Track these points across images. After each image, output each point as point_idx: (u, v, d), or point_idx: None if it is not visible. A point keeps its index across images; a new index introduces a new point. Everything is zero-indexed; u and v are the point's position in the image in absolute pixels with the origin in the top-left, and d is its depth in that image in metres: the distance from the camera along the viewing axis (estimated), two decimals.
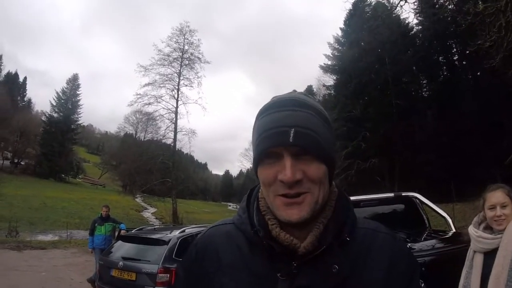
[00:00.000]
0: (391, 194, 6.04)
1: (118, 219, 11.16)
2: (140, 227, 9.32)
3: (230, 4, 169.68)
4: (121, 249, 6.92)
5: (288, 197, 0.80)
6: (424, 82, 32.13)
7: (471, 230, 2.43)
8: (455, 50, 29.01)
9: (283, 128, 0.79)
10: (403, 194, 6.07)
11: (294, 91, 0.92)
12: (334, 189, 0.92)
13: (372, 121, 28.31)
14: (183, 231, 7.00)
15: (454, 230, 5.18)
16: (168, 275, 5.84)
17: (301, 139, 0.78)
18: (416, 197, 6.00)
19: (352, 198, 4.14)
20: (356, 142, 28.34)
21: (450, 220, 5.39)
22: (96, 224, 9.97)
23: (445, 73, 30.29)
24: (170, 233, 6.92)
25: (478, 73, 23.49)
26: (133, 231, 8.18)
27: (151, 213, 41.22)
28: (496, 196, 2.25)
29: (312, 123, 0.81)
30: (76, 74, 62.94)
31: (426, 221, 5.96)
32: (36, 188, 40.77)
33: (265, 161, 0.82)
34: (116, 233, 9.62)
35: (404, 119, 27.28)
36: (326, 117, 0.87)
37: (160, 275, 5.83)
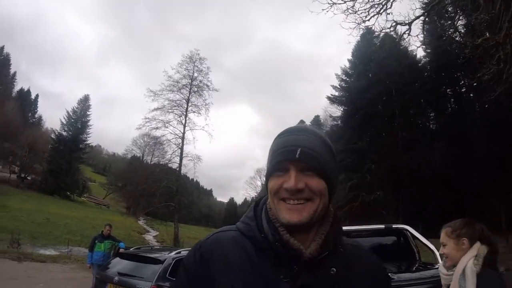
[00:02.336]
0: (382, 226, 6.02)
1: (118, 238, 11.35)
2: (138, 246, 9.65)
3: (235, 42, 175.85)
4: (118, 265, 7.09)
5: (289, 203, 0.96)
6: (431, 114, 32.16)
7: (440, 265, 2.59)
8: (462, 82, 28.92)
9: (291, 147, 0.97)
10: (393, 226, 6.06)
11: (302, 121, 1.34)
12: (331, 209, 1.08)
13: (378, 153, 28.23)
14: (179, 252, 7.18)
15: (440, 262, 5.03)
16: None
17: (305, 157, 0.96)
18: (406, 230, 5.92)
19: (344, 228, 4.08)
20: (361, 174, 28.14)
21: (437, 253, 5.26)
22: (96, 241, 10.21)
23: (453, 105, 30.31)
24: (167, 253, 7.08)
25: (486, 106, 23.38)
26: (131, 250, 8.46)
27: (153, 236, 41.04)
28: (441, 235, 2.43)
29: (315, 146, 0.99)
30: (88, 95, 63.84)
31: (416, 253, 5.83)
32: (40, 204, 41.01)
33: (275, 173, 0.99)
34: (114, 251, 9.76)
35: (410, 151, 27.07)
36: (329, 145, 1.04)
37: None
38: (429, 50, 28.38)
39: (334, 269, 0.97)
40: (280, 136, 1.05)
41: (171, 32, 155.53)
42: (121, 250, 9.18)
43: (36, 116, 74.10)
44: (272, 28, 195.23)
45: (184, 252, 7.09)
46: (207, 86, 37.09)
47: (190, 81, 36.73)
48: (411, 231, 5.91)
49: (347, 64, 36.45)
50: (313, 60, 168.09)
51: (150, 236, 41.05)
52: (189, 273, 1.03)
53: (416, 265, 5.40)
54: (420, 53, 30.32)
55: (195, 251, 1.06)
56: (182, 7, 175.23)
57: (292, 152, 0.96)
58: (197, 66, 37.14)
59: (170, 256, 6.77)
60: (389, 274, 3.89)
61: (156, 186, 36.13)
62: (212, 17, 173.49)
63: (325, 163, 0.99)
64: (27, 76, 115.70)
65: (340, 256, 1.00)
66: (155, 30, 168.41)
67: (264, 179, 1.08)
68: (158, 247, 14.81)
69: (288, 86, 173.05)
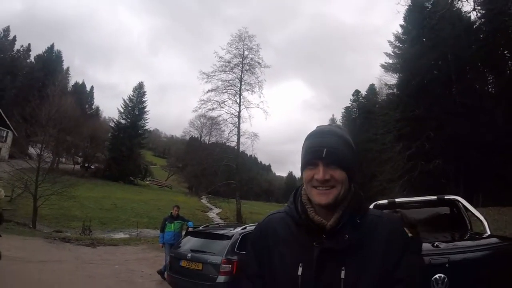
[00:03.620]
0: (434, 197, 6.19)
1: (186, 218, 11.87)
2: (207, 224, 10.15)
3: (281, 20, 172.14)
4: (189, 243, 7.71)
5: (319, 189, 1.25)
6: (490, 78, 30.60)
7: None
8: None
9: (320, 148, 1.25)
10: (445, 197, 6.17)
11: (331, 124, 1.56)
12: (352, 189, 1.34)
13: (437, 121, 27.32)
14: (245, 228, 7.65)
15: (488, 233, 5.35)
16: (230, 266, 6.55)
17: (330, 155, 1.23)
18: (458, 200, 6.14)
19: (397, 200, 4.71)
20: (419, 142, 27.52)
21: (486, 224, 5.54)
22: (166, 222, 10.77)
23: None
24: (233, 229, 7.59)
25: None
26: (200, 228, 8.88)
27: (216, 214, 42.21)
28: None
29: (338, 145, 1.26)
30: (142, 82, 65.30)
31: (468, 223, 6.09)
32: (106, 190, 43.38)
33: (308, 167, 1.28)
34: (184, 231, 10.25)
35: (470, 118, 25.90)
36: (349, 143, 1.32)
37: (223, 265, 6.54)
38: (483, 11, 26.75)
39: (347, 236, 1.23)
40: (310, 137, 1.32)
41: (217, 16, 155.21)
42: (190, 229, 9.65)
43: (93, 107, 77.24)
44: (317, 1, 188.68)
45: (249, 228, 7.56)
46: (259, 63, 37.27)
47: (241, 59, 37.28)
48: (462, 202, 5.96)
49: (400, 30, 35.30)
50: (362, 31, 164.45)
51: (214, 214, 42.25)
52: (254, 246, 1.44)
53: (468, 234, 5.45)
54: (474, 15, 28.60)
55: (256, 230, 1.48)
56: None
57: (320, 152, 1.24)
58: (247, 44, 37.61)
59: (237, 231, 7.28)
60: (438, 243, 4.34)
61: (216, 165, 37.09)
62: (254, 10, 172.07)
63: (345, 159, 1.26)
64: (81, 71, 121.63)
65: (357, 226, 1.26)
66: (202, 16, 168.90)
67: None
68: (224, 224, 15.36)
69: (338, 59, 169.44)
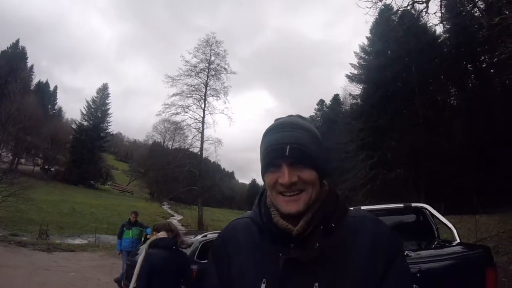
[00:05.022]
0: (401, 205, 6.07)
1: (145, 224, 11.60)
2: None
3: (248, 32, 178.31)
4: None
5: (286, 195, 1.07)
6: (452, 90, 31.48)
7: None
8: (482, 58, 28.23)
9: (281, 145, 1.07)
10: (412, 205, 6.09)
11: (291, 115, 1.23)
12: (326, 187, 1.18)
13: (398, 131, 27.98)
14: (205, 235, 7.49)
15: (458, 240, 5.23)
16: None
17: (294, 153, 1.06)
18: (425, 208, 6.01)
19: (363, 207, 4.34)
20: (381, 152, 28.01)
21: (455, 231, 5.42)
22: (124, 228, 10.54)
23: (474, 81, 29.61)
24: (193, 237, 7.38)
25: (507, 81, 22.85)
26: None
27: (178, 220, 41.39)
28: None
29: (303, 140, 1.08)
30: (106, 83, 64.11)
31: (435, 231, 5.97)
32: (65, 194, 42.05)
33: (269, 169, 1.10)
34: (143, 237, 10.05)
35: (431, 129, 26.73)
36: (316, 135, 1.15)
37: None
38: (448, 26, 27.60)
39: (317, 244, 1.05)
40: (269, 133, 1.14)
41: (186, 25, 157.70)
42: (148, 236, 9.59)
43: (56, 108, 74.04)
44: (284, 16, 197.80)
45: (210, 236, 7.37)
46: (225, 69, 37.12)
47: (207, 64, 36.92)
48: (429, 209, 5.88)
49: (366, 42, 35.93)
50: (326, 47, 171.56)
51: (175, 221, 41.23)
52: (215, 255, 1.26)
53: (435, 242, 5.42)
54: (439, 29, 29.51)
55: (217, 237, 1.30)
56: (194, 1, 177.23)
57: (282, 149, 1.06)
58: (213, 50, 37.25)
59: (197, 239, 7.07)
60: (408, 252, 4.10)
61: (178, 171, 36.50)
62: (224, 9, 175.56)
63: (313, 155, 1.09)
64: (47, 72, 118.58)
65: (331, 231, 1.08)
66: (171, 24, 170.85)
67: None
68: (185, 231, 15.10)
69: (303, 71, 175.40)
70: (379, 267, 1.04)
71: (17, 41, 65.12)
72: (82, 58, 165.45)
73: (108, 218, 32.77)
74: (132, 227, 10.51)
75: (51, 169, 57.27)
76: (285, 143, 1.07)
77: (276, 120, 1.20)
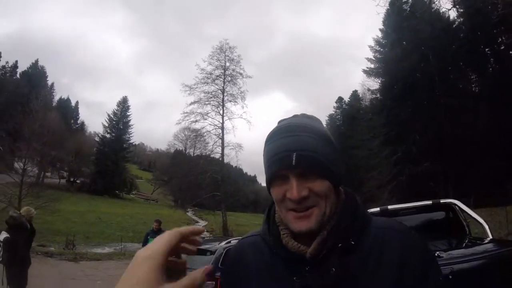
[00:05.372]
0: (429, 202, 5.83)
1: None
2: None
3: (260, 38, 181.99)
4: None
5: (297, 211, 0.91)
6: (473, 76, 30.66)
7: None
8: (500, 40, 27.60)
9: (286, 153, 0.90)
10: (441, 202, 5.88)
11: (296, 115, 1.05)
12: (342, 195, 1.01)
13: (422, 123, 27.37)
14: (229, 242, 7.42)
15: (490, 237, 4.92)
16: (214, 283, 5.98)
17: (302, 161, 0.89)
18: (455, 204, 5.74)
19: (390, 207, 4.09)
20: (406, 146, 27.41)
21: (487, 227, 5.14)
22: (148, 237, 10.57)
23: (493, 64, 28.91)
24: (217, 243, 7.34)
25: None
26: None
27: (202, 226, 41.88)
28: None
29: (312, 145, 0.91)
30: (126, 96, 65.25)
31: (466, 228, 5.67)
32: (91, 205, 43.00)
33: (275, 182, 0.94)
34: None
35: (454, 118, 26.01)
36: (327, 137, 0.97)
37: (206, 282, 6.15)
38: (461, 10, 26.83)
39: (334, 268, 0.89)
40: (271, 139, 0.98)
41: (199, 34, 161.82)
42: None
43: (78, 122, 75.86)
44: (294, 18, 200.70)
45: (234, 242, 7.19)
46: (240, 74, 37.32)
47: (223, 71, 37.11)
48: (459, 205, 5.72)
49: (379, 34, 35.40)
50: (339, 44, 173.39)
51: (200, 227, 42.00)
52: (224, 279, 1.11)
53: (466, 240, 5.17)
54: (453, 14, 28.76)
55: (226, 257, 1.16)
56: (206, 11, 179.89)
57: (287, 158, 0.90)
58: (228, 56, 37.40)
59: (221, 246, 6.95)
60: (439, 252, 3.80)
61: (201, 178, 36.82)
62: (234, 16, 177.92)
63: (325, 161, 0.92)
64: (69, 89, 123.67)
65: (351, 249, 0.91)
66: (184, 36, 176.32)
67: None
68: (209, 237, 15.15)
69: (318, 71, 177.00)
70: (412, 285, 0.87)
71: (36, 61, 67.38)
72: (102, 74, 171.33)
73: (133, 226, 33.25)
74: (156, 235, 10.46)
75: (77, 181, 58.60)
76: (291, 151, 0.91)
77: (279, 122, 1.03)
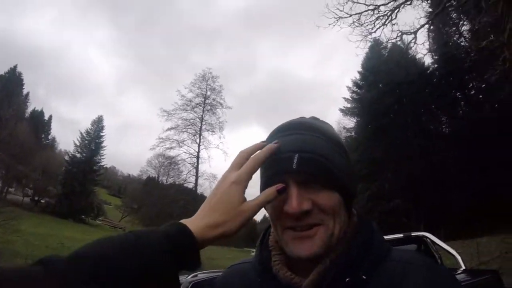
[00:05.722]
0: (401, 235, 5.98)
1: None
2: None
3: (243, 72, 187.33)
4: None
5: (297, 230, 0.73)
6: (443, 119, 32.23)
7: None
8: (471, 85, 29.29)
9: (287, 154, 0.74)
10: (413, 234, 5.98)
11: (303, 117, 0.87)
12: (354, 218, 0.82)
13: (394, 162, 28.19)
14: (196, 275, 6.89)
15: (463, 267, 5.15)
16: None
17: (306, 165, 0.72)
18: (426, 237, 5.93)
19: None
20: (379, 183, 28.11)
21: (459, 258, 5.34)
22: None
23: (464, 108, 30.48)
24: (183, 277, 6.84)
25: (496, 105, 23.42)
26: None
27: None
28: None
29: (319, 147, 0.75)
30: (101, 116, 62.46)
31: (438, 260, 5.89)
32: (54, 227, 40.81)
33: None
34: None
35: (426, 157, 27.08)
36: (338, 141, 0.80)
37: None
38: (436, 57, 28.70)
39: None
40: (271, 138, 0.82)
41: (183, 62, 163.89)
42: None
43: (49, 137, 73.36)
44: (277, 57, 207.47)
45: (201, 275, 6.86)
46: (220, 104, 37.12)
47: (203, 99, 37.12)
48: (430, 237, 5.73)
49: (358, 76, 36.80)
50: (318, 83, 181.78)
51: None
52: None
53: None
54: (427, 60, 30.64)
55: (211, 286, 0.99)
56: (194, 40, 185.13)
57: (288, 160, 0.73)
58: (210, 85, 37.52)
59: (187, 280, 6.44)
60: None
61: (172, 207, 35.97)
62: (220, 48, 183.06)
63: (335, 168, 0.75)
64: (44, 102, 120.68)
65: (361, 285, 0.71)
66: (168, 60, 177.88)
67: None
68: None
69: (296, 108, 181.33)
70: None
71: (15, 66, 65.61)
72: (80, 90, 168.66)
73: None
74: None
75: (41, 200, 55.27)
76: (292, 151, 0.74)
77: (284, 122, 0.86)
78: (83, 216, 57.26)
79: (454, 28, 26.05)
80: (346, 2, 14.62)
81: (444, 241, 6.32)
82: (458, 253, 5.69)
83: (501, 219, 18.98)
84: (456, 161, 25.77)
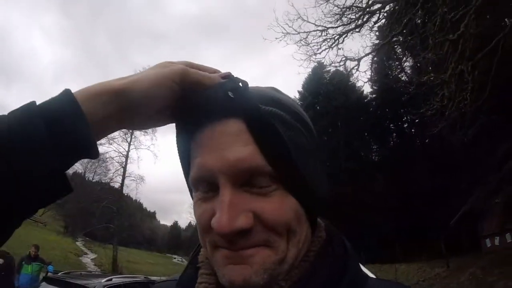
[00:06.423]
0: None
1: (47, 260, 10.49)
2: (67, 271, 8.97)
3: None
4: None
5: (230, 249, 0.49)
6: (374, 147, 33.96)
7: None
8: (405, 118, 31.03)
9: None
10: None
11: (258, 87, 0.58)
12: (321, 233, 0.57)
13: None
14: (110, 279, 6.55)
15: None
16: None
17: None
18: None
19: None
20: None
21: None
22: (23, 263, 9.41)
23: (395, 139, 32.34)
24: (97, 280, 6.52)
25: (427, 140, 24.95)
26: (59, 274, 7.79)
27: (91, 259, 38.64)
28: None
29: (267, 115, 0.49)
30: (34, 101, 60.77)
31: None
32: None
33: (198, 194, 0.53)
34: (43, 275, 9.00)
35: (353, 181, 28.16)
36: (302, 118, 0.55)
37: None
38: (375, 87, 30.17)
39: None
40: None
41: (126, 61, 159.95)
42: (49, 274, 8.59)
43: None
44: (222, 66, 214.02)
45: (115, 280, 6.57)
46: None
47: None
48: None
49: (297, 96, 37.70)
50: None
51: (88, 259, 38.51)
52: None
53: None
54: (367, 89, 32.17)
55: None
56: (140, 40, 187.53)
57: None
58: None
59: (101, 283, 6.15)
60: None
61: (95, 206, 34.52)
62: (166, 51, 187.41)
63: (296, 157, 0.49)
64: None
65: None
66: (111, 57, 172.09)
67: None
68: (90, 272, 13.84)
69: None
70: None
71: None
72: (16, 75, 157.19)
73: (15, 249, 28.92)
74: (32, 262, 9.36)
75: None
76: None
77: None
78: None
79: (397, 63, 27.56)
80: (296, 19, 14.66)
81: (363, 264, 6.55)
82: (377, 277, 5.92)
83: (421, 247, 19.97)
84: (383, 187, 27.20)
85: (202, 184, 0.51)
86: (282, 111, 0.51)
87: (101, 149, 34.61)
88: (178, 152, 0.58)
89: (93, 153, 0.48)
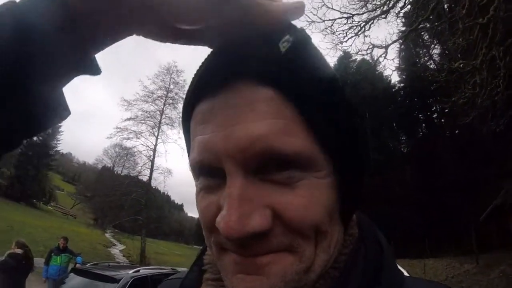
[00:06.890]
0: None
1: (76, 252, 10.91)
2: (96, 263, 9.16)
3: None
4: (72, 281, 6.73)
5: (242, 255, 0.39)
6: (403, 138, 32.95)
7: None
8: (434, 108, 29.98)
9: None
10: None
11: None
12: (354, 230, 0.48)
13: None
14: (138, 271, 6.75)
15: None
16: None
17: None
18: None
19: None
20: None
21: (406, 275, 5.11)
22: (52, 254, 9.76)
23: (424, 130, 31.27)
24: (124, 271, 6.64)
25: (456, 131, 24.01)
26: (87, 266, 8.00)
27: (119, 250, 39.61)
28: None
29: (291, 73, 0.38)
30: None
31: None
32: (4, 210, 39.76)
33: (202, 180, 0.44)
34: (71, 266, 9.34)
35: (381, 173, 27.48)
36: (330, 73, 0.42)
37: None
38: (403, 76, 29.24)
39: None
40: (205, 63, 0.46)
41: (150, 54, 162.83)
42: (77, 265, 8.80)
43: None
44: None
45: (143, 271, 6.76)
46: (183, 98, 36.36)
47: (165, 92, 36.20)
48: None
49: None
50: None
51: (116, 250, 39.49)
52: None
53: None
54: (394, 78, 31.27)
55: None
56: None
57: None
58: (173, 78, 36.69)
59: (128, 274, 6.31)
60: None
61: (124, 198, 35.12)
62: (188, 48, 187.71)
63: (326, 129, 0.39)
64: None
65: None
66: (135, 52, 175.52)
67: None
68: (117, 264, 14.27)
69: None
70: None
71: None
72: None
73: (45, 241, 30.30)
74: (61, 253, 9.73)
75: None
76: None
77: None
78: (34, 201, 56.18)
79: (424, 50, 26.65)
80: (320, 7, 14.36)
81: None
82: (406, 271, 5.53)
83: (451, 242, 19.31)
84: (412, 179, 26.34)
85: (203, 170, 0.42)
86: (297, 57, 0.38)
87: (129, 143, 35.41)
88: (183, 125, 0.48)
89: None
